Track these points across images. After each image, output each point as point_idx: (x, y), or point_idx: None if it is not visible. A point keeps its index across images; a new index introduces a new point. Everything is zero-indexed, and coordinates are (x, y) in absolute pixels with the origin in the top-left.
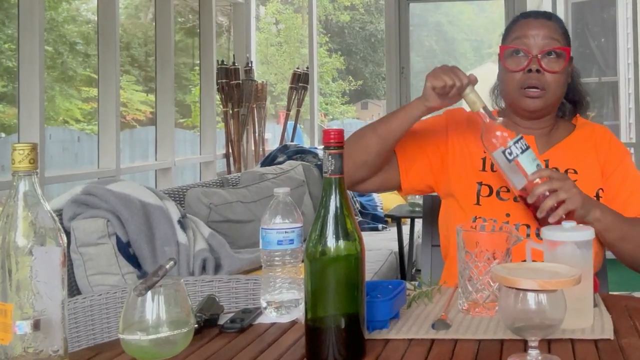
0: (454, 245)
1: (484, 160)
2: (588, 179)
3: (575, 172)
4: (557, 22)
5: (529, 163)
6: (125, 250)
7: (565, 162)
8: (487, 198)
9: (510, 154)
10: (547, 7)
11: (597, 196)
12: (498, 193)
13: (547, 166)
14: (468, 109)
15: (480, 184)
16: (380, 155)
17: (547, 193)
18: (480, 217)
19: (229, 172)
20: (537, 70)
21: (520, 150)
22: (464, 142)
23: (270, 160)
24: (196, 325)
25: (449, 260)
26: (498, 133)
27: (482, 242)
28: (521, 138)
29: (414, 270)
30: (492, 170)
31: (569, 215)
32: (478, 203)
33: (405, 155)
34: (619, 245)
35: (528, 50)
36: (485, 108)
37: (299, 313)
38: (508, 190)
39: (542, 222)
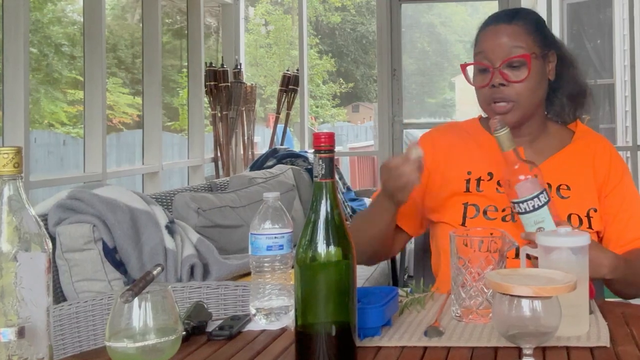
0: (444, 262)
1: (467, 181)
2: (581, 196)
3: (568, 189)
4: (520, 23)
5: (528, 224)
6: (112, 256)
7: (558, 177)
8: (473, 219)
9: (515, 209)
10: (541, 8)
11: (588, 216)
12: (485, 212)
13: None
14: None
15: (466, 204)
16: (389, 236)
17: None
18: None
19: (218, 176)
20: (501, 84)
21: (524, 210)
22: (444, 168)
23: (259, 164)
24: (184, 333)
25: (440, 277)
26: (519, 183)
27: (475, 248)
28: (540, 194)
29: (406, 277)
30: (477, 190)
31: None
32: (463, 224)
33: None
34: (622, 289)
35: (488, 64)
36: (515, 151)
37: (288, 320)
38: (496, 210)
39: None
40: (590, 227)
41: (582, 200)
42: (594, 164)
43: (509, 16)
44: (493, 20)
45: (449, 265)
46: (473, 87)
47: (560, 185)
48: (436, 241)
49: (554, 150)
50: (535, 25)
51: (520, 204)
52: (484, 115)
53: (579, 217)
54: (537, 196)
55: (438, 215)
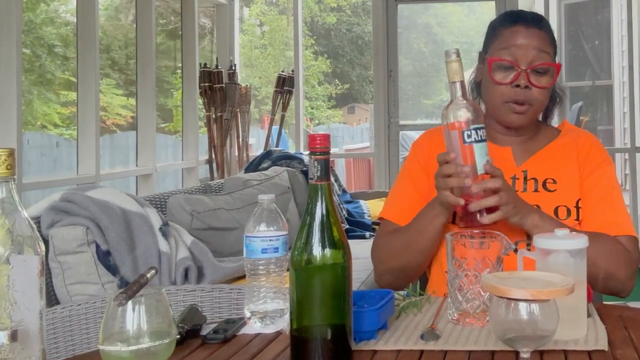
0: (436, 269)
1: None
2: (567, 189)
3: (555, 182)
4: (547, 29)
5: (480, 154)
6: (105, 258)
7: (544, 172)
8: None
9: (470, 136)
10: (539, 9)
11: (577, 207)
12: None
13: (525, 177)
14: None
15: None
16: (437, 246)
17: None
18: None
19: (212, 178)
20: (526, 86)
21: (480, 138)
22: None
23: (254, 166)
24: (178, 336)
25: (432, 277)
26: (462, 113)
27: (472, 251)
28: (483, 127)
29: None
30: None
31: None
32: (453, 222)
33: None
34: None
35: (516, 63)
36: (462, 83)
37: (284, 323)
38: None
39: (467, 218)
40: (577, 218)
41: (568, 193)
42: (577, 155)
43: (538, 21)
44: (522, 20)
45: (440, 265)
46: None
47: (546, 179)
48: None
49: (539, 147)
50: (553, 35)
51: (478, 130)
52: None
53: (567, 208)
54: (483, 127)
55: None
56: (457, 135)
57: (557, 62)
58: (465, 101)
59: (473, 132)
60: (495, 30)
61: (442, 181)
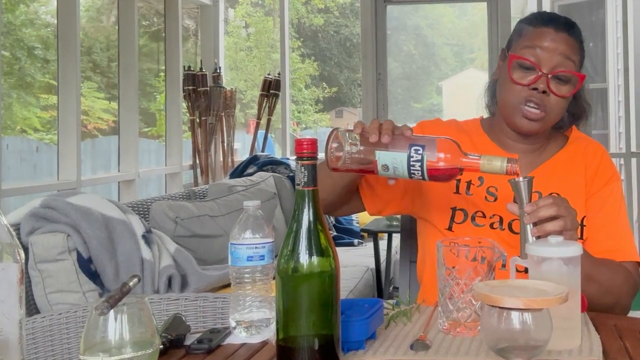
0: (429, 267)
1: (457, 181)
2: (572, 205)
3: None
4: (578, 37)
5: (386, 157)
6: (87, 266)
7: (549, 185)
8: (460, 225)
9: (415, 151)
10: (532, 9)
11: (581, 224)
12: (473, 218)
13: None
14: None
15: (455, 209)
16: (345, 194)
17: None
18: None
19: (196, 184)
20: (544, 91)
21: (414, 158)
22: None
23: (239, 171)
24: (161, 346)
25: (425, 283)
26: (446, 144)
27: (463, 259)
28: (422, 163)
29: (391, 288)
30: (466, 193)
31: None
32: (450, 229)
33: (366, 180)
34: (582, 285)
35: (538, 65)
36: (469, 166)
37: (270, 333)
38: (484, 216)
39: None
40: (581, 236)
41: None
42: (586, 169)
43: (569, 26)
44: (552, 22)
45: (434, 269)
46: (462, 92)
47: (550, 194)
48: (422, 241)
49: (546, 157)
50: (582, 44)
51: (423, 159)
52: (485, 116)
53: None
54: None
55: (425, 213)
56: (422, 137)
57: (582, 72)
58: (454, 152)
59: (419, 152)
60: (523, 27)
61: (360, 123)
